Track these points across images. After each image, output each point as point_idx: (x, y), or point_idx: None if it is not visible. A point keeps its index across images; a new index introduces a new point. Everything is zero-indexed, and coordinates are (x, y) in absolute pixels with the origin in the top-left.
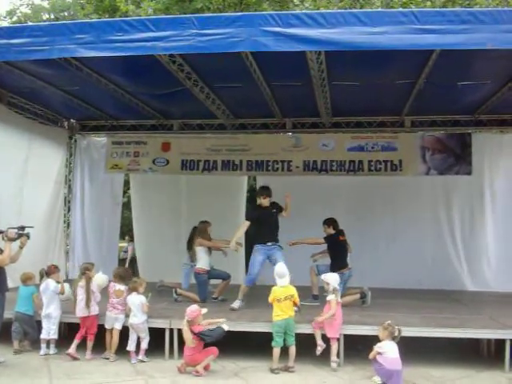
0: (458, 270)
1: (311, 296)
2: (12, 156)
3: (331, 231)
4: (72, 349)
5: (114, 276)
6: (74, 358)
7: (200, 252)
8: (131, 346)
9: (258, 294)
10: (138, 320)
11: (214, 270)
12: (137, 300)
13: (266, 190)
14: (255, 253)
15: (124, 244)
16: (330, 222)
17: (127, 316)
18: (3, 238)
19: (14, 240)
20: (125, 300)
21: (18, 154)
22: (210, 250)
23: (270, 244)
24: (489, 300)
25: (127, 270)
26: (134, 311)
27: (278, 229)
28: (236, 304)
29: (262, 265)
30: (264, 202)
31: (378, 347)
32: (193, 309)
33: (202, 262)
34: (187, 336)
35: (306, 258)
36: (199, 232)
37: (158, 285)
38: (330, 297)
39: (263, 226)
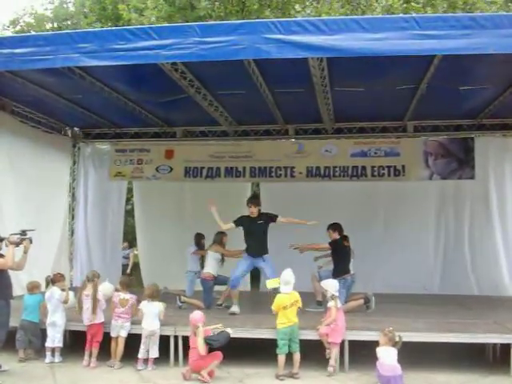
0: (464, 274)
1: (315, 302)
2: (18, 165)
3: (336, 236)
4: (86, 360)
5: (120, 284)
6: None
7: (211, 258)
8: (142, 353)
9: (262, 300)
10: (155, 327)
11: (219, 275)
12: (156, 308)
13: (254, 199)
14: (243, 259)
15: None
16: (335, 226)
17: (136, 323)
18: (6, 244)
19: (16, 244)
20: (130, 308)
21: (24, 163)
22: (222, 259)
23: (254, 256)
24: (495, 304)
25: (130, 279)
26: (151, 318)
27: (265, 239)
28: (234, 308)
29: (244, 271)
30: (252, 210)
31: (377, 352)
32: (198, 315)
33: (210, 268)
34: (202, 342)
35: (309, 265)
36: (215, 242)
37: (162, 292)
38: (330, 303)
39: (250, 236)
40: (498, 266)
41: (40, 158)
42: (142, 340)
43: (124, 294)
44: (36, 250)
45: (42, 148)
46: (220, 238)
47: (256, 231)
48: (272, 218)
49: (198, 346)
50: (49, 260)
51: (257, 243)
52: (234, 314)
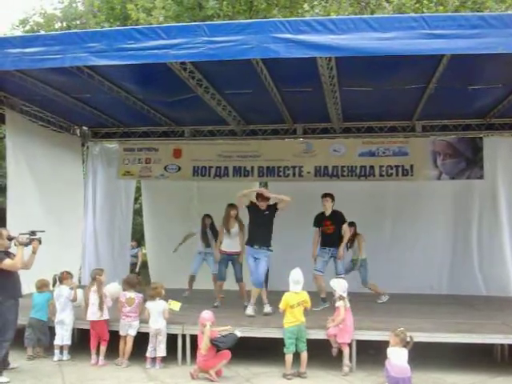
0: (472, 274)
1: (320, 300)
2: (35, 165)
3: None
4: (93, 359)
5: (124, 284)
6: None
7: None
8: (150, 352)
9: (269, 299)
10: (161, 325)
11: (237, 264)
12: (160, 307)
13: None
14: (248, 258)
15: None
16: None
17: (145, 322)
18: (15, 244)
19: (25, 245)
20: (137, 307)
21: (40, 163)
22: (228, 232)
23: (256, 247)
24: (503, 305)
25: (135, 277)
26: (156, 317)
27: (270, 231)
28: (267, 309)
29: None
30: (262, 204)
31: (387, 353)
32: (207, 315)
33: (224, 244)
34: (207, 342)
35: (311, 265)
36: (224, 217)
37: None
38: (338, 303)
39: (254, 227)
40: (506, 266)
41: (54, 159)
42: (150, 339)
43: (130, 293)
44: (60, 249)
45: (55, 147)
46: (228, 212)
47: (262, 222)
48: (275, 206)
49: (202, 344)
50: (75, 257)
51: (261, 234)
52: (268, 314)
